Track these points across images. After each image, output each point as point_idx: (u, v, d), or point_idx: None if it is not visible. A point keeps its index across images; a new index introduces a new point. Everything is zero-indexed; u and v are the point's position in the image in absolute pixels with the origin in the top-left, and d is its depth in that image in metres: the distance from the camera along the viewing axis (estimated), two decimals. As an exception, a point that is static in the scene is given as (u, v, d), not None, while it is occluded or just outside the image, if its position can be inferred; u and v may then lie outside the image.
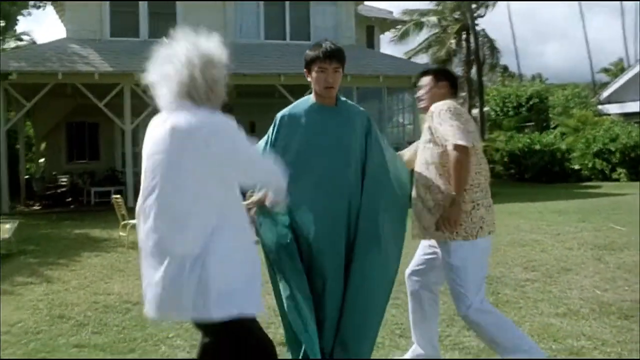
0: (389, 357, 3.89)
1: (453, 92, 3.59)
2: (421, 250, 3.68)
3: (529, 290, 5.61)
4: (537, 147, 19.70)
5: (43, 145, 19.59)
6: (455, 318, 4.44)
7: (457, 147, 3.17)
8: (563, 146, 19.69)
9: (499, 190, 16.71)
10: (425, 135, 3.43)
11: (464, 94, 25.79)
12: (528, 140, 20.24)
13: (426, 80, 3.60)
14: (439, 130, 3.27)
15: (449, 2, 27.41)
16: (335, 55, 3.21)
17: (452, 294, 3.39)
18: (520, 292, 5.52)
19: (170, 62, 2.48)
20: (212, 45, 2.54)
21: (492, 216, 3.39)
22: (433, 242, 3.51)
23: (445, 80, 3.59)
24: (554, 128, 22.86)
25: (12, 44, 23.24)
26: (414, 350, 3.75)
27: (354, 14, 18.77)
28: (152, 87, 2.53)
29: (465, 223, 3.27)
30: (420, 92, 3.62)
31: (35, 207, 15.15)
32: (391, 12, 22.65)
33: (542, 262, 6.85)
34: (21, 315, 5.08)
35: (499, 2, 30.64)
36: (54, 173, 18.59)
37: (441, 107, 3.30)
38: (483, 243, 3.34)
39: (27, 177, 17.29)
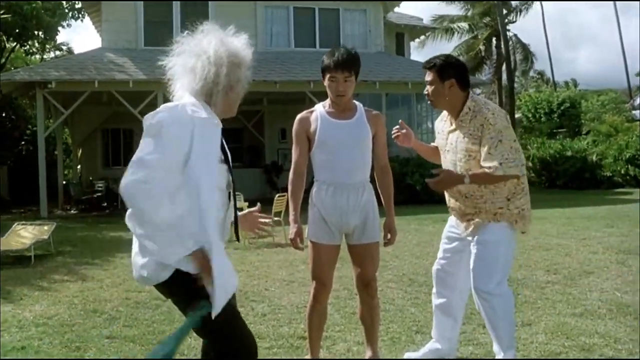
0: (404, 351, 4.02)
1: (463, 86, 3.44)
2: (445, 244, 3.76)
3: (548, 292, 5.67)
4: (569, 153, 19.52)
5: (80, 152, 20.17)
6: (472, 316, 4.57)
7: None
8: (593, 153, 19.45)
9: (528, 196, 16.66)
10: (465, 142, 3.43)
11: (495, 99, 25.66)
12: (559, 147, 20.06)
13: (430, 77, 3.45)
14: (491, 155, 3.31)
15: (479, 7, 27.35)
16: (346, 65, 3.35)
17: (477, 271, 3.41)
18: (540, 294, 5.59)
19: (197, 56, 2.43)
20: (240, 44, 2.53)
21: (530, 216, 3.51)
22: (458, 232, 3.61)
23: (452, 76, 3.40)
24: (586, 134, 22.61)
25: (52, 54, 24.00)
26: (431, 345, 3.88)
27: (384, 21, 18.93)
28: (171, 76, 2.50)
29: (509, 220, 3.41)
30: (428, 91, 3.49)
31: (73, 211, 15.64)
32: (421, 19, 22.72)
33: (565, 265, 6.89)
34: (58, 309, 5.37)
35: (530, 8, 30.48)
36: (90, 178, 19.12)
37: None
38: (512, 243, 3.49)
39: (64, 182, 17.82)
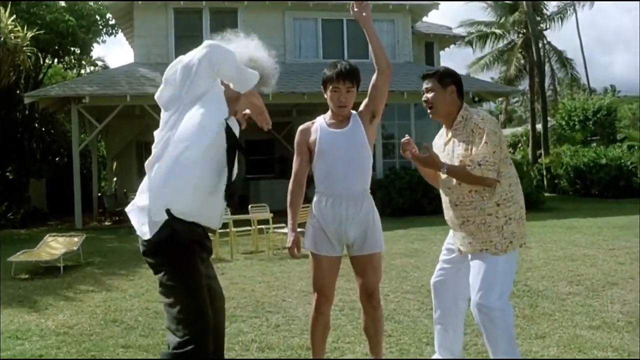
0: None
1: (460, 95, 3.54)
2: (444, 255, 3.76)
3: (568, 303, 5.57)
4: (603, 161, 19.10)
5: (115, 165, 20.62)
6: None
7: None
8: (629, 160, 18.98)
9: (560, 206, 16.36)
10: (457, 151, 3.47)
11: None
12: (594, 155, 19.66)
13: (431, 84, 3.51)
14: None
15: (511, 14, 27.08)
16: (348, 76, 3.43)
17: (476, 285, 3.37)
18: (559, 305, 5.50)
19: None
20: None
21: (523, 229, 3.47)
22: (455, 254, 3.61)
23: (452, 83, 3.50)
24: (621, 142, 22.08)
25: (88, 69, 24.65)
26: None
27: (412, 31, 18.91)
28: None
29: (495, 239, 3.37)
30: (428, 97, 3.53)
31: (107, 223, 15.98)
32: (450, 28, 22.60)
33: (589, 276, 6.75)
34: (79, 319, 5.52)
35: (566, 19, 29.92)
36: (125, 190, 19.52)
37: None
38: (512, 257, 3.44)
39: (99, 194, 18.23)
